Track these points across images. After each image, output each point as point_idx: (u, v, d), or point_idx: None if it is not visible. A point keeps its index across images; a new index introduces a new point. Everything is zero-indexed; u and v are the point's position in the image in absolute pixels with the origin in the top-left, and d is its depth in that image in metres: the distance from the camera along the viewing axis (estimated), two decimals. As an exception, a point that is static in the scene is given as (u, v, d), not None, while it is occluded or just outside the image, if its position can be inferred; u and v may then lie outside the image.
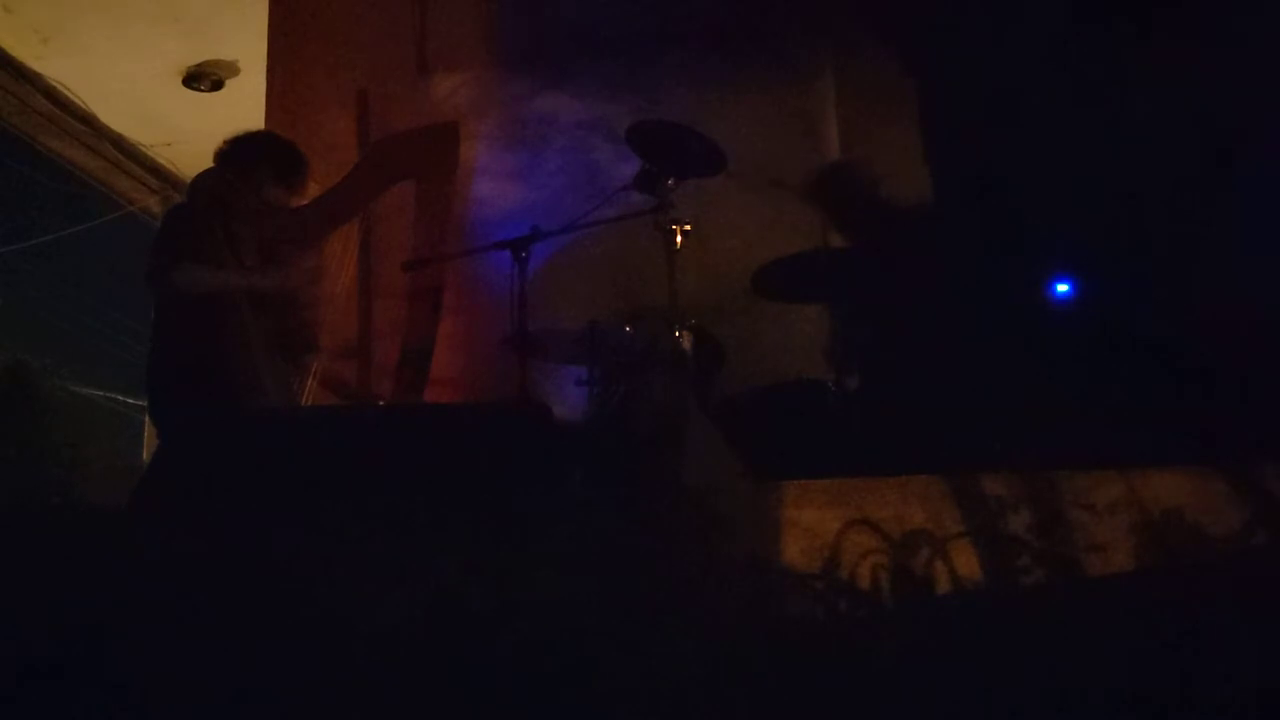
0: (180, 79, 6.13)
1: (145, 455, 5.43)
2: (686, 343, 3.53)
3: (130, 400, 6.01)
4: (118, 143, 6.66)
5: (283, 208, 3.69)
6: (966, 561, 2.11)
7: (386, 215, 4.26)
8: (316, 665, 2.04)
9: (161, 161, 6.90)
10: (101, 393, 6.14)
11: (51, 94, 6.15)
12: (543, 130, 4.56)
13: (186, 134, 6.33)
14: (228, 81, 6.15)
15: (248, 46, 5.56)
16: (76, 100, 6.24)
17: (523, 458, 2.79)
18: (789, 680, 1.96)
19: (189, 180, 3.92)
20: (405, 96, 4.67)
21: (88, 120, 6.39)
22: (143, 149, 6.80)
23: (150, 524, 2.55)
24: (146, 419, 4.85)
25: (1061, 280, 3.88)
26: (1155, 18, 3.81)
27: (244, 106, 5.48)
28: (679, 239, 3.63)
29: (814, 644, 1.99)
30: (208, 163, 3.68)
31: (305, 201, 3.78)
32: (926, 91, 4.28)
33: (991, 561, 2.11)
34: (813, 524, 2.16)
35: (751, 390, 3.79)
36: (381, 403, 4.05)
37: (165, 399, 3.44)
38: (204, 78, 6.11)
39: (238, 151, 3.64)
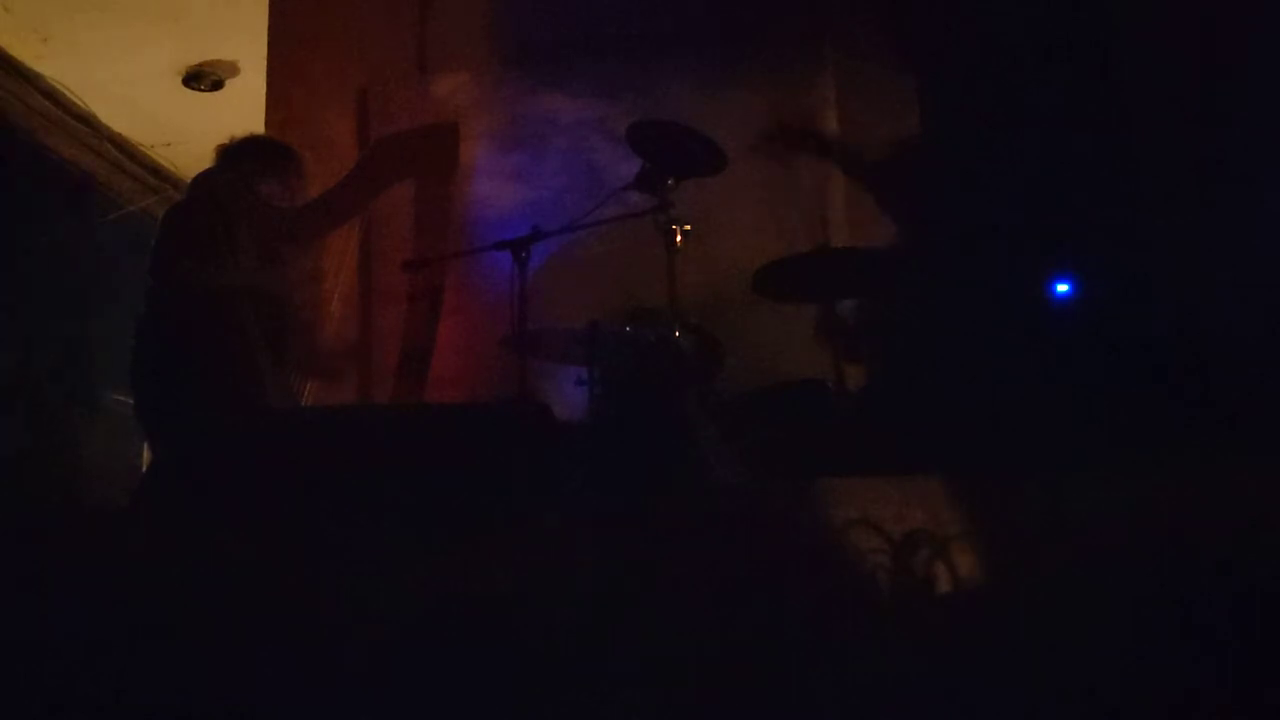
0: (180, 79, 6.13)
1: (145, 455, 5.42)
2: (686, 343, 3.54)
3: (130, 400, 5.98)
4: (118, 143, 6.66)
5: (282, 207, 3.70)
6: (966, 561, 2.11)
7: (386, 215, 4.26)
8: (316, 665, 2.04)
9: (161, 161, 6.90)
10: (102, 393, 6.13)
11: (51, 94, 6.14)
12: (543, 130, 4.56)
13: (186, 134, 6.33)
14: (228, 81, 6.15)
15: (248, 46, 5.56)
16: (76, 100, 6.24)
17: (523, 458, 2.79)
18: (789, 680, 1.97)
19: (189, 180, 3.92)
20: (405, 96, 4.67)
21: (88, 120, 6.39)
22: (143, 149, 6.80)
23: (151, 524, 2.55)
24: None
25: (1061, 280, 3.88)
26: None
27: (244, 106, 5.48)
28: (679, 239, 3.63)
29: (814, 644, 1.99)
30: (208, 163, 3.70)
31: (304, 200, 3.79)
32: (926, 91, 4.28)
33: (991, 561, 2.11)
34: (812, 524, 2.16)
35: (751, 390, 3.79)
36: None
37: (164, 398, 3.43)
38: (204, 78, 6.11)
39: (234, 152, 3.66)
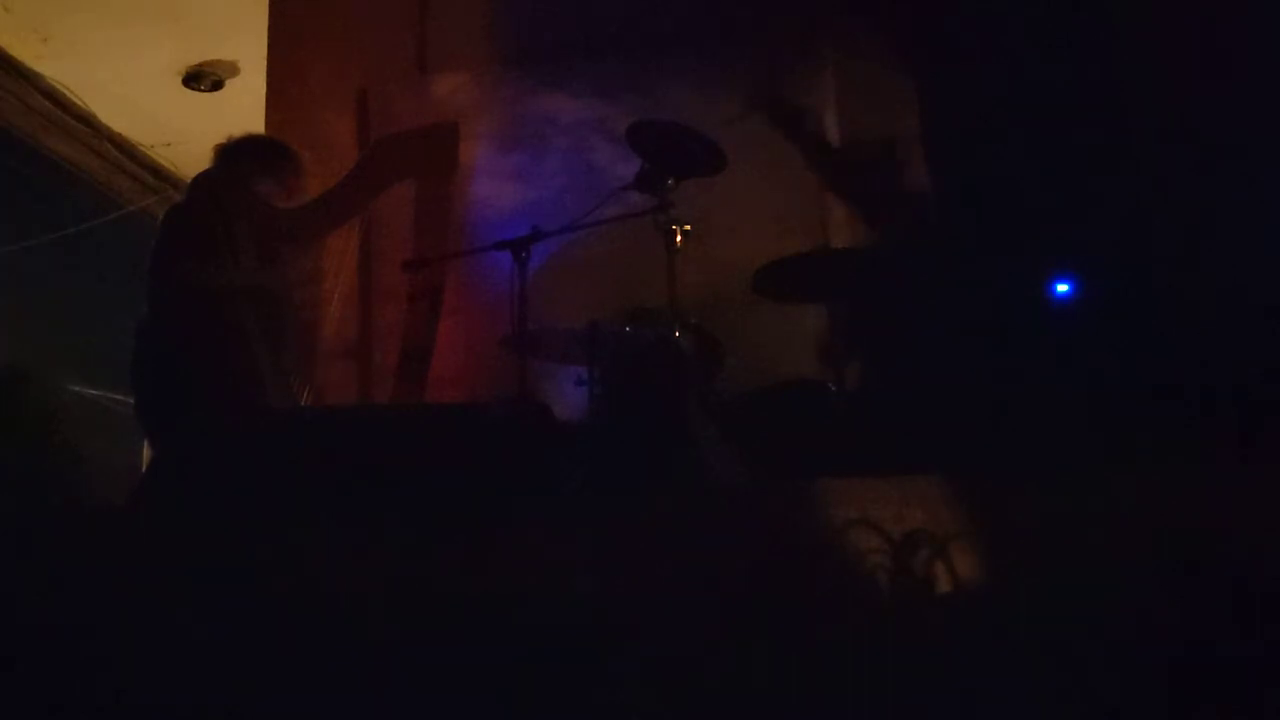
0: (180, 79, 6.13)
1: (145, 455, 5.42)
2: (686, 343, 3.54)
3: (130, 400, 5.98)
4: (118, 143, 6.66)
5: (281, 207, 3.70)
6: (966, 561, 2.11)
7: (386, 216, 4.26)
8: (316, 665, 2.04)
9: (161, 161, 6.91)
10: (101, 393, 6.14)
11: (51, 94, 6.15)
12: (543, 130, 4.56)
13: (186, 134, 6.33)
14: (228, 81, 6.16)
15: (248, 46, 5.57)
16: (76, 100, 6.24)
17: (523, 458, 2.79)
18: (788, 680, 1.96)
19: (189, 180, 3.93)
20: (405, 96, 4.67)
21: (87, 120, 6.39)
22: (142, 149, 6.80)
23: (151, 524, 2.55)
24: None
25: (1061, 280, 3.88)
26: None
27: (244, 106, 5.48)
28: (679, 239, 3.63)
29: (814, 644, 1.99)
30: (207, 163, 3.70)
31: (303, 200, 3.79)
32: (926, 91, 4.28)
33: (991, 561, 2.11)
34: (812, 524, 2.16)
35: (751, 390, 3.79)
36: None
37: (164, 398, 3.44)
38: (204, 78, 6.12)
39: (233, 152, 3.66)
